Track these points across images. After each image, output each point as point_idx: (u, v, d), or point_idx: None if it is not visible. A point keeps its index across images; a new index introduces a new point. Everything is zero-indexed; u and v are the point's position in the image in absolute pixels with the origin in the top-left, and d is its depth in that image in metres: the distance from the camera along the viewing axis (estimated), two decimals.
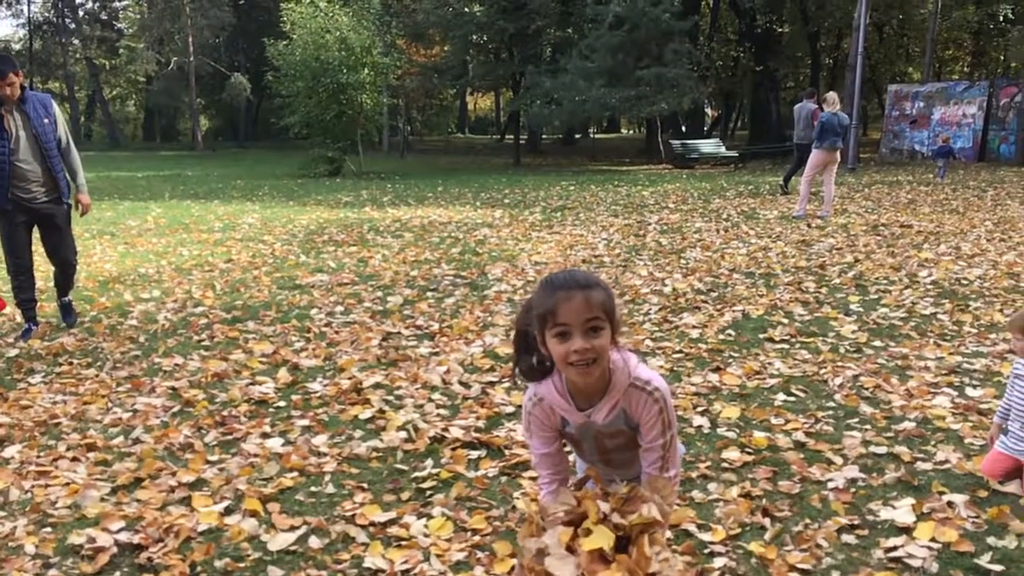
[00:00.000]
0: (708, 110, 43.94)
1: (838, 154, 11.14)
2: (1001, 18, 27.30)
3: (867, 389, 4.12)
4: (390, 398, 4.12)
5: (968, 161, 21.94)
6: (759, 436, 3.51)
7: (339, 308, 6.14)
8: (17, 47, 52.82)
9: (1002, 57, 33.64)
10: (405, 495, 3.06)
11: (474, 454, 3.41)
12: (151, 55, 43.52)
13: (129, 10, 52.17)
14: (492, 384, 4.30)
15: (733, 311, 5.75)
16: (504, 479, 3.18)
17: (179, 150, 42.61)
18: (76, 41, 49.51)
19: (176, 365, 4.75)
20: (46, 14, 52.14)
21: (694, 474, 3.19)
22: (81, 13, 50.90)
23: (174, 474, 3.22)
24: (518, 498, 2.99)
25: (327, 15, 22.34)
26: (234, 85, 40.34)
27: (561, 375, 1.95)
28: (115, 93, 55.55)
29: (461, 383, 4.34)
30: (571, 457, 2.30)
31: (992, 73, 32.12)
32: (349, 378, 4.43)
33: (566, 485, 2.07)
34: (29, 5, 51.22)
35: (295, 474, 3.23)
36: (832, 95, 11.32)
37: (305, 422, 3.80)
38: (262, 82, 29.06)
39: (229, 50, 47.34)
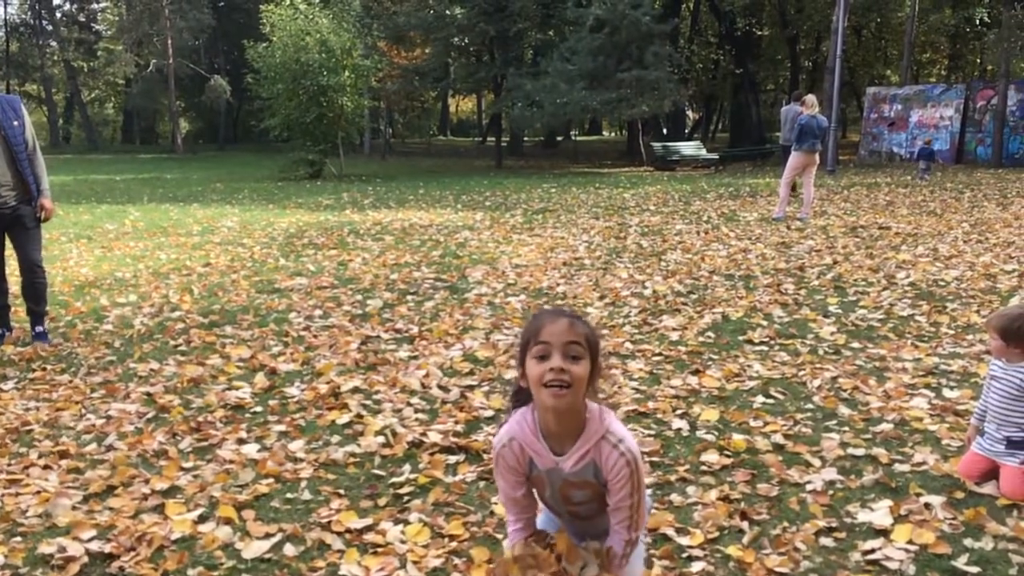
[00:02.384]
0: (689, 112, 44.13)
1: (817, 156, 11.20)
2: (977, 22, 27.61)
3: (845, 391, 4.13)
4: (368, 402, 4.09)
5: (945, 163, 22.14)
6: (738, 439, 3.51)
7: (318, 312, 6.10)
8: None
9: (978, 60, 34.02)
10: (382, 501, 3.03)
11: (452, 459, 3.38)
12: (130, 57, 43.16)
13: (107, 12, 51.75)
14: (471, 388, 4.28)
15: (713, 313, 5.75)
16: (482, 484, 3.16)
17: (158, 153, 42.29)
18: (53, 43, 49.05)
19: (152, 370, 4.69)
20: (23, 16, 51.63)
21: (673, 478, 3.18)
22: (59, 15, 50.42)
23: (147, 481, 3.18)
24: (496, 503, 2.97)
25: (307, 17, 22.25)
26: (214, 88, 40.11)
27: (535, 414, 1.94)
28: (93, 96, 54.99)
29: (440, 387, 4.31)
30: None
31: (969, 76, 32.46)
32: (327, 382, 4.39)
33: (533, 527, 2.07)
34: (5, 7, 50.81)
35: (271, 480, 3.19)
36: (811, 98, 11.39)
37: (282, 427, 3.76)
38: (242, 85, 28.89)
39: (209, 52, 47.05)
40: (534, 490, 2.09)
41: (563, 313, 1.88)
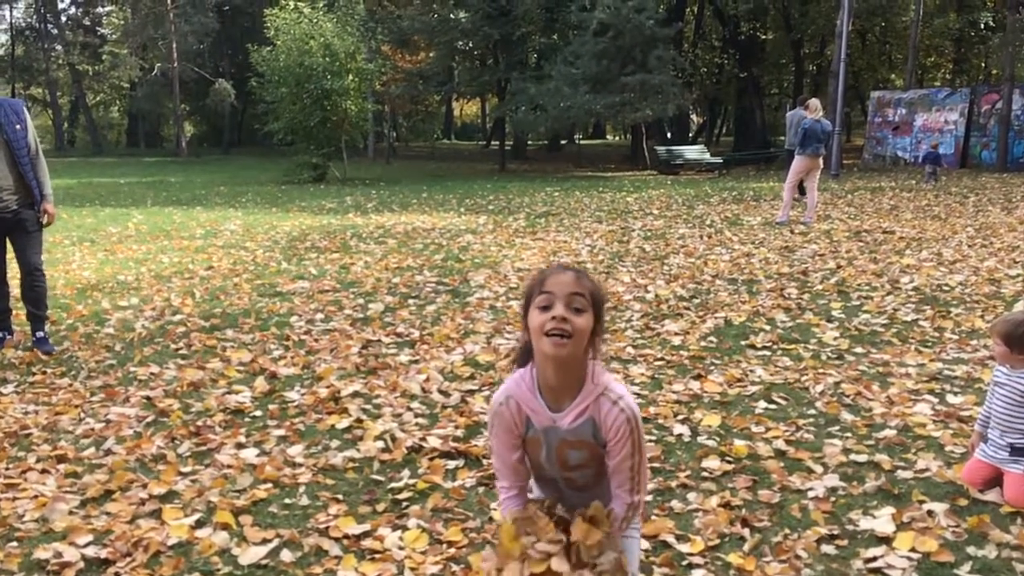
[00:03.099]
0: (693, 116, 44.12)
1: (820, 160, 11.17)
2: (982, 26, 27.55)
3: (848, 396, 4.11)
4: (368, 407, 4.07)
5: (950, 167, 22.08)
6: (739, 444, 3.49)
7: (319, 315, 6.09)
8: (0, 53, 52.43)
9: (983, 64, 33.95)
10: (381, 506, 3.01)
11: (452, 464, 3.37)
12: (134, 61, 43.23)
13: (112, 16, 51.85)
14: (472, 392, 4.26)
15: (715, 318, 5.73)
16: (482, 489, 3.14)
17: (163, 156, 42.34)
18: (59, 47, 49.15)
19: (152, 374, 4.68)
20: (29, 19, 51.75)
21: (673, 484, 3.16)
22: (64, 19, 50.52)
23: (145, 486, 3.17)
24: (495, 508, 2.95)
25: (311, 21, 22.26)
26: (218, 91, 40.13)
27: (533, 372, 1.92)
28: (98, 99, 55.08)
29: (440, 391, 4.29)
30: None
31: (973, 80, 32.39)
32: (327, 387, 4.38)
33: (526, 496, 2.02)
34: (11, 10, 50.87)
35: (269, 485, 3.18)
36: (814, 102, 11.37)
37: (281, 432, 3.75)
38: (246, 88, 28.92)
39: (213, 56, 47.10)
40: (528, 459, 2.03)
41: (569, 267, 1.87)
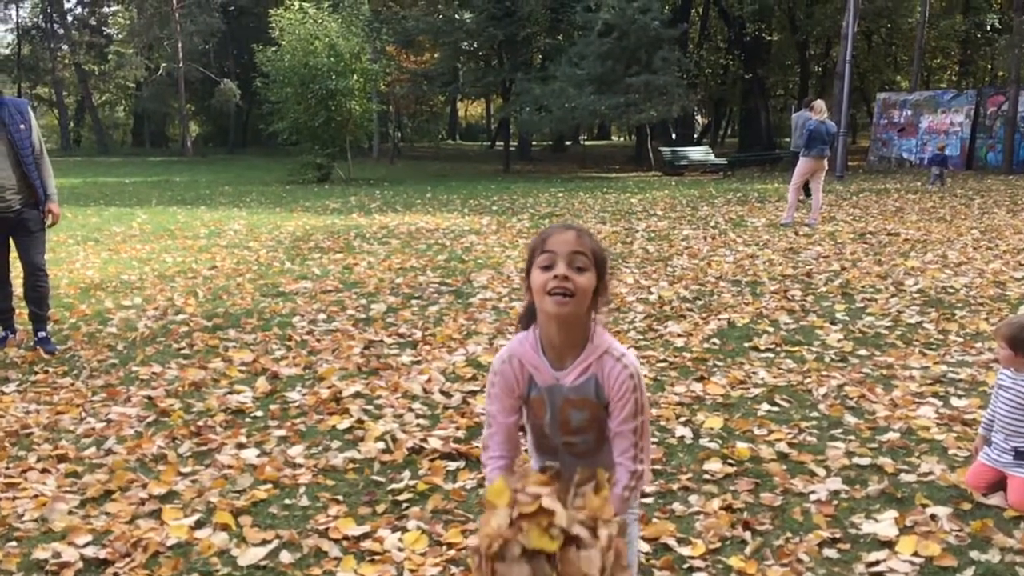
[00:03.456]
0: (698, 117, 44.08)
1: (825, 162, 11.14)
2: (988, 27, 27.49)
3: (852, 399, 4.09)
4: (369, 408, 4.06)
5: (956, 169, 22.02)
6: (742, 447, 3.47)
7: (322, 316, 6.08)
8: (6, 52, 52.57)
9: (989, 66, 33.87)
10: (380, 508, 3.00)
11: (452, 465, 3.36)
12: (140, 61, 43.33)
13: (118, 16, 51.97)
14: (473, 394, 4.25)
15: (718, 319, 5.71)
16: (482, 491, 3.12)
17: (168, 156, 42.42)
18: (65, 47, 49.26)
19: (153, 374, 4.68)
20: (35, 19, 51.90)
21: (675, 486, 3.15)
22: (70, 19, 50.65)
23: (145, 486, 3.16)
24: None
25: (316, 21, 22.27)
26: (223, 91, 40.19)
27: (536, 332, 1.90)
28: (104, 99, 55.23)
29: (442, 392, 4.28)
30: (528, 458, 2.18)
31: (980, 82, 32.32)
32: (329, 387, 4.37)
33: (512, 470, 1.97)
34: (18, 10, 51.00)
35: (269, 486, 3.17)
36: (819, 103, 11.33)
37: (282, 432, 3.74)
38: (252, 88, 28.97)
39: (219, 56, 47.15)
40: (528, 425, 2.00)
41: (571, 226, 1.86)
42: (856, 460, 3.35)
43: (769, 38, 33.85)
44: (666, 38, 23.63)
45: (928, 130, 24.02)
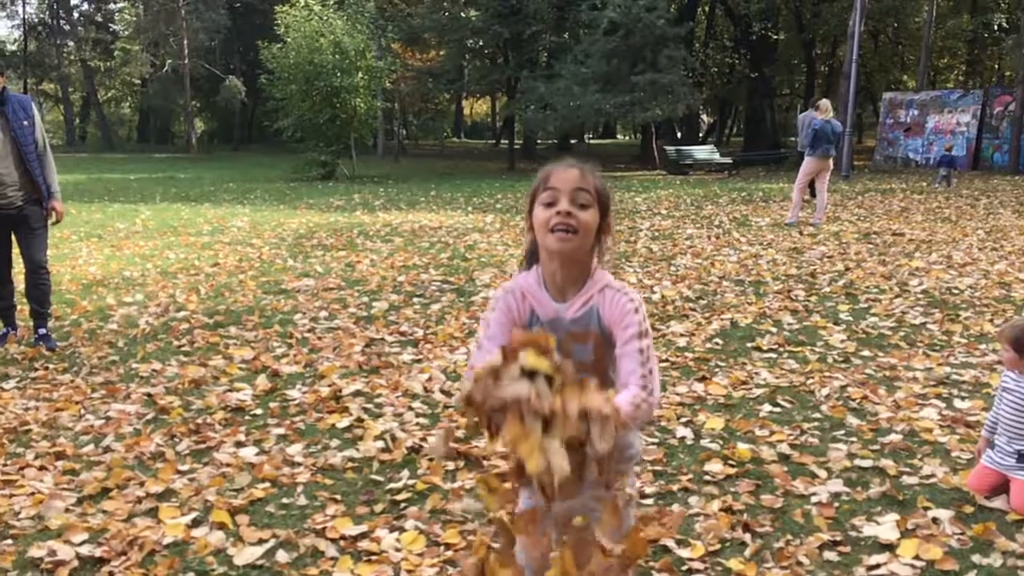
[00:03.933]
0: (704, 116, 43.96)
1: (831, 161, 11.10)
2: (995, 27, 27.37)
3: (854, 400, 4.06)
4: (369, 406, 4.05)
5: (962, 169, 21.94)
6: (743, 448, 3.45)
7: (323, 313, 6.07)
8: (12, 48, 52.64)
9: (996, 66, 33.75)
10: (378, 507, 2.99)
11: (451, 465, 3.34)
12: (146, 57, 43.39)
13: (125, 12, 52.01)
14: None
15: (721, 319, 5.69)
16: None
17: (173, 152, 42.47)
18: (71, 43, 49.34)
19: (154, 371, 4.67)
20: (41, 15, 51.97)
21: (675, 487, 3.13)
22: (76, 15, 50.71)
23: (142, 484, 3.15)
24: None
25: (321, 18, 22.26)
26: (229, 88, 40.20)
27: (539, 271, 1.89)
28: (110, 95, 55.30)
29: (443, 391, 4.27)
30: None
31: (986, 82, 32.19)
32: (329, 385, 4.36)
33: None
34: (24, 6, 51.08)
35: (267, 485, 3.16)
36: (825, 102, 11.29)
37: (281, 431, 3.73)
38: (257, 85, 28.99)
39: (225, 53, 47.17)
40: None
41: (575, 163, 1.84)
42: (858, 462, 3.33)
43: (775, 37, 33.73)
44: (672, 36, 23.56)
45: (934, 130, 23.93)
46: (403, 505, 3.00)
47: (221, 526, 2.82)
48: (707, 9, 37.06)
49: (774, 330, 5.40)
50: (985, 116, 22.89)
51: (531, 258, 1.94)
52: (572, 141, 43.86)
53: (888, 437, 3.57)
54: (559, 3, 27.33)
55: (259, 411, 4.01)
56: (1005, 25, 27.07)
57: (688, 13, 30.63)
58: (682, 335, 5.31)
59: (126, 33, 49.44)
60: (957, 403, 3.99)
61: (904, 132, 24.95)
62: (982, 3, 29.79)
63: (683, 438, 3.62)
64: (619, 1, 23.05)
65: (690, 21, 29.22)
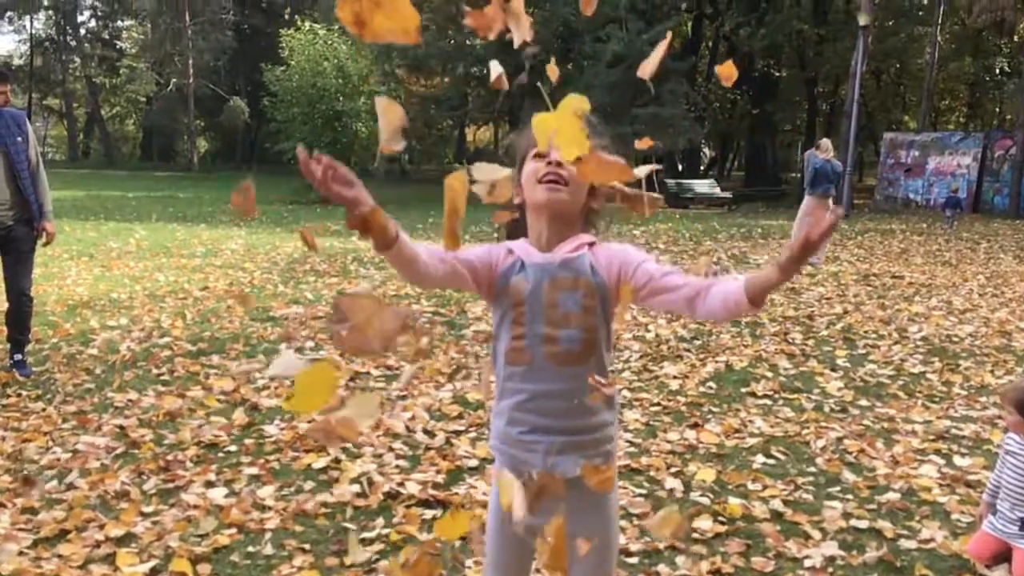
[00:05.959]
0: (705, 150, 44.09)
1: (830, 201, 11.01)
2: (997, 71, 27.51)
3: (851, 453, 3.92)
4: (348, 445, 3.90)
5: (962, 212, 21.92)
6: (734, 503, 3.31)
7: (310, 344, 5.93)
8: (19, 62, 52.88)
9: (997, 109, 33.88)
10: (349, 559, 2.83)
11: (428, 514, 3.19)
12: (151, 75, 43.60)
13: (132, 31, 52.37)
14: (458, 434, 4.09)
15: (716, 361, 5.55)
16: (458, 544, 2.96)
17: (175, 171, 42.52)
18: (77, 59, 49.60)
19: (129, 401, 4.52)
20: (48, 31, 52.28)
21: (662, 545, 2.98)
22: (83, 31, 51.03)
23: (102, 527, 3.00)
24: (470, 567, 2.78)
25: (326, 43, 22.37)
26: (232, 108, 40.37)
27: (526, 241, 1.76)
28: (114, 112, 55.56)
29: (425, 431, 4.12)
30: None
31: (987, 124, 32.30)
32: (308, 421, 4.21)
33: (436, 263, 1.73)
34: (31, 21, 51.38)
35: (233, 531, 3.01)
36: (825, 142, 11.24)
37: (254, 470, 3.58)
38: (260, 107, 29.06)
39: (230, 74, 47.42)
40: (502, 332, 1.75)
41: None
42: (854, 522, 3.18)
43: (778, 74, 33.94)
44: (674, 71, 23.66)
45: (935, 171, 23.94)
46: (375, 557, 2.85)
47: None
48: (710, 45, 37.29)
49: (770, 375, 5.27)
50: (986, 159, 22.90)
51: (515, 230, 1.81)
52: None
53: (885, 495, 3.43)
54: (564, 34, 27.47)
55: (233, 448, 3.86)
56: (1007, 69, 27.22)
57: (691, 48, 30.78)
58: (675, 377, 5.17)
59: (132, 51, 49.76)
60: (957, 460, 3.85)
61: (905, 173, 24.96)
62: (984, 47, 29.98)
63: (672, 490, 3.47)
64: (623, 35, 23.16)
65: (693, 56, 29.36)
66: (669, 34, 1.40)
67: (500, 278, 1.74)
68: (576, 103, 1.24)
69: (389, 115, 1.34)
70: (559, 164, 1.66)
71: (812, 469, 3.74)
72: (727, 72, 1.48)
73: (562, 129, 1.25)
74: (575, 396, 1.70)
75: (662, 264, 1.72)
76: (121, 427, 4.08)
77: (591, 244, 1.75)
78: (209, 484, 3.42)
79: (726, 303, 1.60)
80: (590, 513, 1.79)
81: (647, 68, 1.38)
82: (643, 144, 1.83)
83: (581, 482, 1.60)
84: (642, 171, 1.59)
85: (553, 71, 1.41)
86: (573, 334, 1.70)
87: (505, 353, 1.76)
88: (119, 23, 52.67)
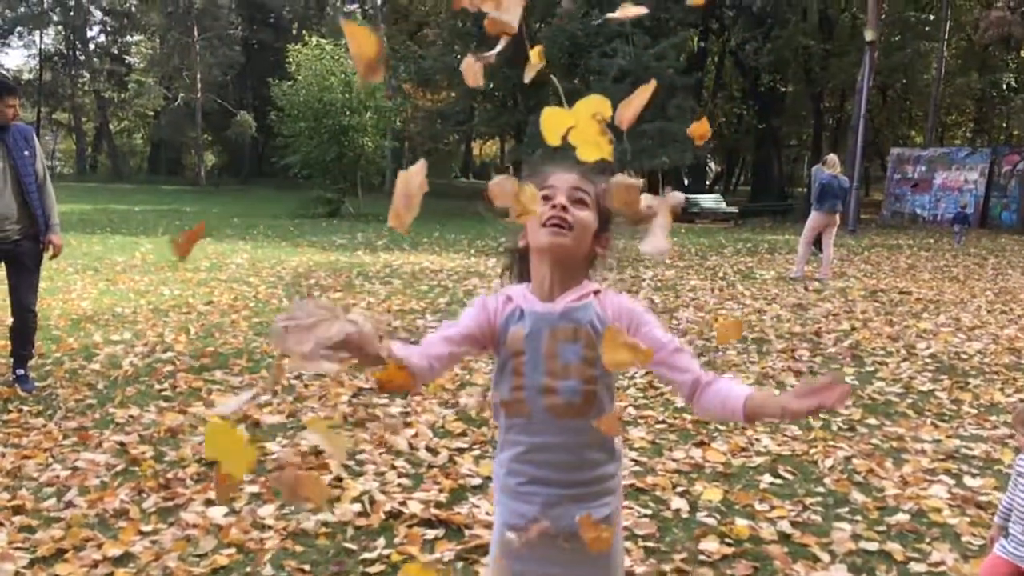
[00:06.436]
0: (711, 165, 44.11)
1: (837, 217, 10.98)
2: (1004, 86, 27.47)
3: (859, 473, 3.87)
4: (351, 463, 3.86)
5: (969, 227, 21.84)
6: (741, 524, 3.26)
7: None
8: (28, 77, 53.23)
9: (1004, 124, 33.82)
10: None
11: (431, 533, 3.15)
12: (159, 90, 43.85)
13: (141, 46, 52.72)
14: (461, 451, 4.05)
15: None
16: (460, 565, 2.92)
17: (182, 185, 42.67)
18: (86, 74, 49.92)
19: (130, 416, 4.49)
20: (58, 46, 52.65)
21: (668, 567, 2.93)
22: (92, 46, 51.37)
23: (100, 546, 2.96)
24: None
25: (333, 58, 22.44)
26: (239, 123, 40.55)
27: (528, 285, 1.72)
28: (122, 126, 55.86)
29: (428, 449, 4.08)
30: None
31: (994, 140, 32.24)
32: (308, 440, 4.17)
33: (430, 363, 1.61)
34: (41, 37, 51.75)
35: (232, 551, 2.96)
36: (832, 157, 11.21)
37: (255, 488, 3.54)
38: (267, 121, 29.20)
39: (237, 88, 47.67)
40: (501, 381, 1.69)
41: (577, 168, 1.70)
42: (863, 544, 3.13)
43: (784, 89, 33.95)
44: (681, 86, 23.70)
45: (942, 187, 23.89)
46: None
47: None
48: (716, 60, 37.36)
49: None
50: (993, 174, 22.85)
51: (520, 275, 1.77)
52: None
53: (895, 517, 3.38)
54: (570, 50, 27.54)
55: None
56: (1014, 85, 27.19)
57: (698, 63, 30.83)
58: None
59: (141, 66, 50.07)
60: (967, 480, 3.79)
61: (912, 188, 24.91)
62: (991, 63, 29.96)
63: (678, 510, 3.42)
64: (629, 50, 23.21)
65: (699, 71, 29.41)
66: (653, 82, 1.34)
67: (500, 329, 1.70)
68: (596, 104, 1.17)
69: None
70: (564, 208, 1.63)
71: (820, 489, 3.68)
72: (700, 131, 1.43)
73: (579, 128, 1.18)
74: (575, 449, 1.67)
75: (672, 337, 1.68)
76: (122, 444, 4.05)
77: (596, 292, 1.71)
78: (209, 503, 3.37)
79: (723, 409, 1.64)
80: (591, 565, 1.73)
81: (626, 113, 1.31)
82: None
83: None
84: (675, 198, 1.54)
85: (537, 56, 1.31)
86: (573, 386, 1.66)
87: (505, 404, 1.72)
88: (128, 38, 53.03)
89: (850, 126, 22.88)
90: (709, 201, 26.28)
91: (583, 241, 1.67)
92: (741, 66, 33.19)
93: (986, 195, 22.87)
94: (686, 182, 31.83)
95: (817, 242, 11.67)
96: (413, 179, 1.19)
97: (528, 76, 1.25)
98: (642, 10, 1.28)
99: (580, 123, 1.16)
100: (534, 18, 28.96)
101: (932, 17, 29.49)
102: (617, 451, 1.77)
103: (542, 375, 1.66)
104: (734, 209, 25.53)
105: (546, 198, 1.64)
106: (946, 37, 26.54)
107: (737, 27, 31.05)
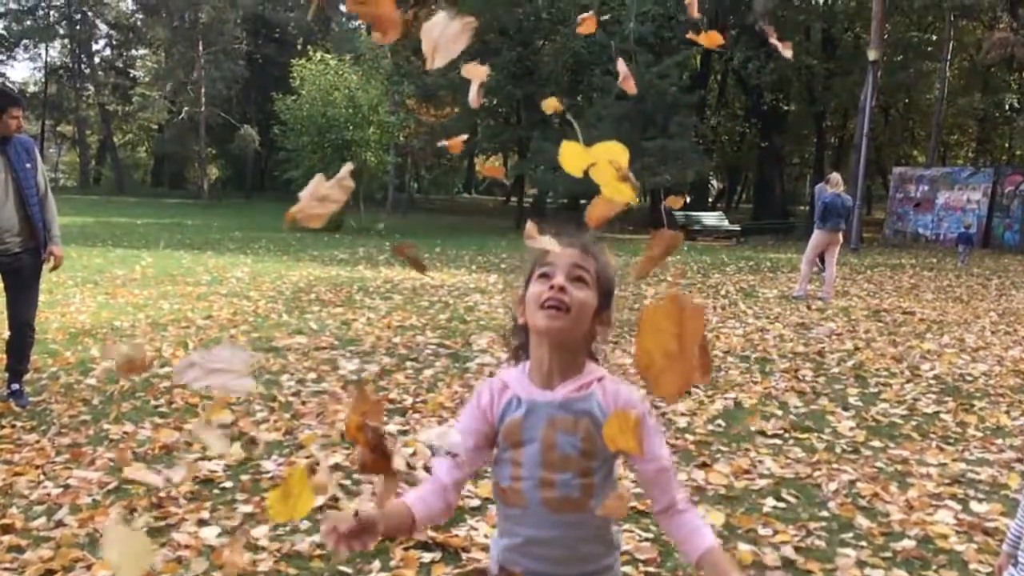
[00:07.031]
0: (713, 182, 44.15)
1: (840, 235, 10.94)
2: (1007, 107, 27.51)
3: (864, 497, 3.80)
4: (347, 483, 3.80)
5: (973, 248, 21.82)
6: (744, 550, 3.19)
7: (311, 375, 5.84)
8: (33, 89, 53.44)
9: (1007, 145, 33.85)
10: None
11: (427, 557, 3.09)
12: (163, 103, 44.00)
13: (146, 60, 52.96)
14: None
15: (725, 398, 5.44)
16: None
17: (185, 198, 42.72)
18: (90, 87, 50.10)
19: (125, 433, 4.43)
20: (64, 59, 52.88)
21: None
22: (98, 60, 51.61)
23: (90, 567, 2.90)
24: None
25: (337, 73, 22.52)
26: (243, 137, 40.62)
27: (526, 365, 1.65)
28: (126, 139, 56.04)
29: (426, 469, 4.01)
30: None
31: (997, 160, 32.26)
32: (307, 456, 4.12)
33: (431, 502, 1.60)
34: (47, 50, 51.99)
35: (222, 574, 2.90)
36: (835, 176, 11.18)
37: (249, 508, 3.48)
38: (271, 135, 29.27)
39: (241, 102, 47.81)
40: (498, 470, 1.65)
41: (578, 241, 1.65)
42: (868, 571, 3.07)
43: (786, 108, 34.01)
44: (683, 104, 23.75)
45: (944, 206, 23.87)
46: None
47: None
48: (719, 78, 37.46)
49: (779, 413, 5.16)
50: (996, 195, 22.83)
51: (519, 353, 1.71)
52: (582, 202, 44.03)
53: (901, 543, 3.31)
54: (573, 67, 27.64)
55: (229, 484, 3.76)
56: (1016, 105, 27.22)
57: (700, 81, 30.91)
58: (683, 414, 5.07)
59: (145, 79, 50.25)
60: (974, 506, 3.73)
61: (914, 207, 24.90)
62: (993, 83, 30.02)
63: None
64: (632, 67, 23.27)
65: (702, 89, 29.48)
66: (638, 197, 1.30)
67: (498, 421, 1.64)
68: (613, 151, 1.14)
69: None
70: (562, 289, 1.58)
71: (824, 513, 3.62)
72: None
73: (599, 167, 1.16)
74: (572, 544, 1.62)
75: (662, 453, 1.62)
76: (115, 461, 3.99)
77: (600, 379, 1.64)
78: (202, 522, 3.32)
79: (681, 544, 1.63)
80: None
81: (642, 270, 1.30)
82: (673, 203, 1.76)
83: None
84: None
85: (554, 105, 1.31)
86: (570, 479, 1.60)
87: (502, 491, 1.67)
88: (133, 52, 53.29)
89: (852, 145, 22.91)
90: (711, 219, 26.30)
91: (581, 322, 1.60)
92: (744, 84, 33.25)
93: (988, 215, 22.84)
94: (688, 200, 31.86)
95: (820, 260, 11.63)
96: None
97: (578, 128, 1.23)
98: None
99: (599, 165, 1.14)
100: (538, 35, 29.03)
101: (935, 37, 29.57)
102: (616, 542, 1.70)
103: (539, 467, 1.60)
104: (736, 227, 25.52)
105: (544, 276, 1.60)
106: (948, 57, 26.61)
107: (739, 45, 31.14)
